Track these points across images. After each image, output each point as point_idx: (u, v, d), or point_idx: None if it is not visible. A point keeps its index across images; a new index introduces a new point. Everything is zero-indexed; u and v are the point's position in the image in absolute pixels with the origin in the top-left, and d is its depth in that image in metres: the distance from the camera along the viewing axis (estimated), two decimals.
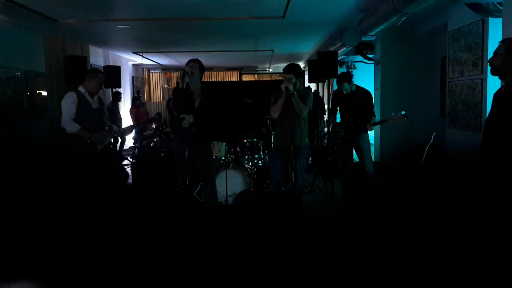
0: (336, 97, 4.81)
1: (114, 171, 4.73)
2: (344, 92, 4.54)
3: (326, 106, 8.05)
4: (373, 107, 4.62)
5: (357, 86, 4.65)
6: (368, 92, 4.68)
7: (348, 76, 4.57)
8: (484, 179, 2.45)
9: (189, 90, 3.77)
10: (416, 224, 3.79)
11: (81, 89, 3.92)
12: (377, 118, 6.28)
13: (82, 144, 3.84)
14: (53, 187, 4.74)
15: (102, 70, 7.40)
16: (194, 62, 3.86)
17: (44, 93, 6.88)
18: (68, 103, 3.83)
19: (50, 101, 6.90)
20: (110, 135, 4.06)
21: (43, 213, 4.35)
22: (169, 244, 3.61)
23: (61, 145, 4.28)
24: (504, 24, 3.34)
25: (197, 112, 3.77)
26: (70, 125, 3.80)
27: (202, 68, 3.91)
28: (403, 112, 4.20)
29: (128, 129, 4.42)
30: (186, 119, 3.64)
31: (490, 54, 2.57)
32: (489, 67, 2.49)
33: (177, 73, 3.89)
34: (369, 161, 4.59)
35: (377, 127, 6.49)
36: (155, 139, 7.82)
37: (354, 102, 4.54)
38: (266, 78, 14.58)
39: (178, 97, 3.71)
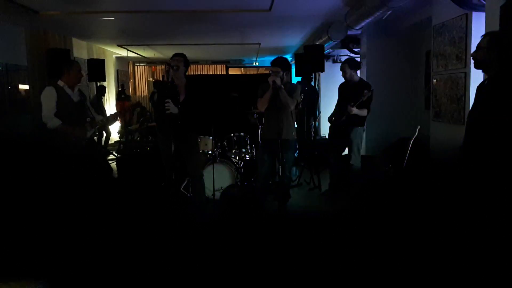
0: (340, 89, 4.83)
1: (97, 165, 4.67)
2: (348, 75, 4.59)
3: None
4: (370, 101, 4.61)
5: (361, 78, 4.72)
6: (368, 85, 4.67)
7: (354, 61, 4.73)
8: (467, 172, 2.49)
9: (174, 85, 3.75)
10: (403, 218, 3.84)
11: (60, 82, 3.86)
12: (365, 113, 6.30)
13: (63, 138, 3.80)
14: (36, 183, 4.66)
15: (86, 64, 7.29)
16: (179, 56, 3.84)
17: (26, 86, 6.73)
18: (48, 98, 3.78)
19: (32, 95, 6.76)
20: (92, 127, 4.01)
21: (26, 209, 4.28)
22: (155, 239, 3.59)
23: (43, 140, 4.22)
24: (487, 19, 3.39)
25: (182, 106, 3.75)
26: (51, 121, 3.75)
27: (187, 62, 3.89)
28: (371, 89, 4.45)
29: (112, 118, 4.34)
30: (170, 107, 3.63)
31: (473, 48, 2.60)
32: (472, 61, 2.52)
33: (162, 66, 3.85)
34: (356, 155, 4.63)
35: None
36: (140, 132, 7.75)
37: (351, 92, 4.54)
38: (253, 71, 14.54)
39: (163, 92, 3.69)
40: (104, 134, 8.51)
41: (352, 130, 4.56)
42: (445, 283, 2.63)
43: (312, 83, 6.85)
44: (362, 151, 6.62)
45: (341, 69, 4.69)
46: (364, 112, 4.56)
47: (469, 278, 2.39)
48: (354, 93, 4.50)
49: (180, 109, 3.70)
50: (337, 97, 4.90)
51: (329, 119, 4.82)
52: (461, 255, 2.56)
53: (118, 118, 5.00)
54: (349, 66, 4.61)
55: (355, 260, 3.10)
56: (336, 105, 4.84)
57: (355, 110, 4.44)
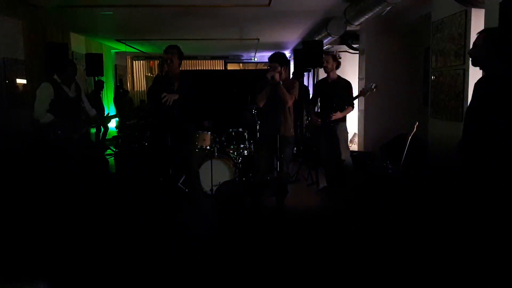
0: (318, 87, 4.87)
1: (91, 159, 4.68)
2: (330, 65, 4.64)
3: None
4: (352, 97, 4.69)
5: (339, 76, 4.74)
6: (349, 83, 4.77)
7: (334, 55, 4.76)
8: (465, 168, 2.49)
9: (168, 77, 3.78)
10: (401, 214, 3.85)
11: (56, 78, 3.92)
12: (362, 107, 6.31)
13: (55, 134, 3.84)
14: (32, 177, 4.66)
15: (84, 58, 7.26)
16: (172, 49, 3.84)
17: (24, 81, 6.70)
18: (43, 95, 3.86)
19: (30, 89, 6.73)
20: (86, 124, 4.09)
21: (21, 205, 4.28)
22: (153, 234, 3.59)
23: (37, 134, 4.25)
24: (486, 15, 3.38)
25: (177, 93, 3.75)
26: (43, 117, 3.80)
27: (181, 55, 3.89)
28: (372, 85, 4.51)
29: (108, 118, 4.43)
30: (168, 97, 3.61)
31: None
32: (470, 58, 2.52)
33: (158, 61, 3.86)
34: (345, 150, 4.67)
35: (361, 117, 6.56)
36: (138, 127, 7.72)
37: (334, 90, 4.62)
38: (251, 67, 14.51)
39: (158, 85, 3.72)
40: (102, 129, 8.49)
41: (337, 126, 4.62)
42: (443, 279, 2.64)
43: (305, 80, 6.86)
44: (361, 147, 6.65)
45: (324, 60, 4.71)
46: (349, 111, 4.69)
47: (467, 275, 2.40)
48: (337, 92, 4.60)
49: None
50: None
51: (315, 122, 4.78)
52: (459, 251, 2.58)
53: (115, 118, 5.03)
54: (333, 58, 4.67)
55: (353, 256, 3.12)
56: (320, 106, 4.88)
57: (339, 115, 4.57)
